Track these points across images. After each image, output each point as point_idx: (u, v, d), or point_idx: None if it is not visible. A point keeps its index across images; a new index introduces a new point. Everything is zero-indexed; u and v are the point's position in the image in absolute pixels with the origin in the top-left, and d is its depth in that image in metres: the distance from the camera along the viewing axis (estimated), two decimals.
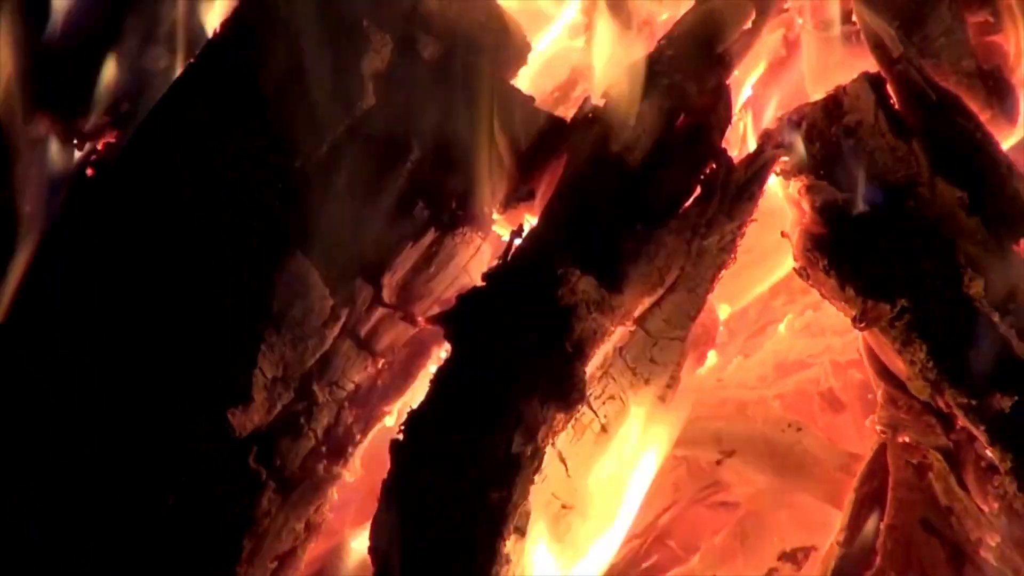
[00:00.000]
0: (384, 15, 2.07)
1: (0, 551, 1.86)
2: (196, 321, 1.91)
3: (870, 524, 2.03)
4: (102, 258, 2.00)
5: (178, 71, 2.26)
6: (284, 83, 2.03)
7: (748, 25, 2.14)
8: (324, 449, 1.96)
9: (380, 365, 2.01)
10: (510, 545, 1.73)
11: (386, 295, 1.98)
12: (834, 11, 2.28)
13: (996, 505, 1.90)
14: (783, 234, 2.03)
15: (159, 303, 1.93)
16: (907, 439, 2.00)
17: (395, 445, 1.76)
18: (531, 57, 2.20)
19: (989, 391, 1.84)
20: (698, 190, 1.99)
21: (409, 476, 1.74)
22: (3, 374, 1.98)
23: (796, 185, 2.00)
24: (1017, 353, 1.87)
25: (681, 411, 2.10)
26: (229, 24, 2.13)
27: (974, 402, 1.84)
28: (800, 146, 2.04)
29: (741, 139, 2.19)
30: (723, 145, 2.06)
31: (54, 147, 2.34)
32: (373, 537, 1.74)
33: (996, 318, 1.88)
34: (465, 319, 1.82)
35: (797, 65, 2.31)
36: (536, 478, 1.77)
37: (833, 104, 2.02)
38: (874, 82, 2.02)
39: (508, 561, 1.73)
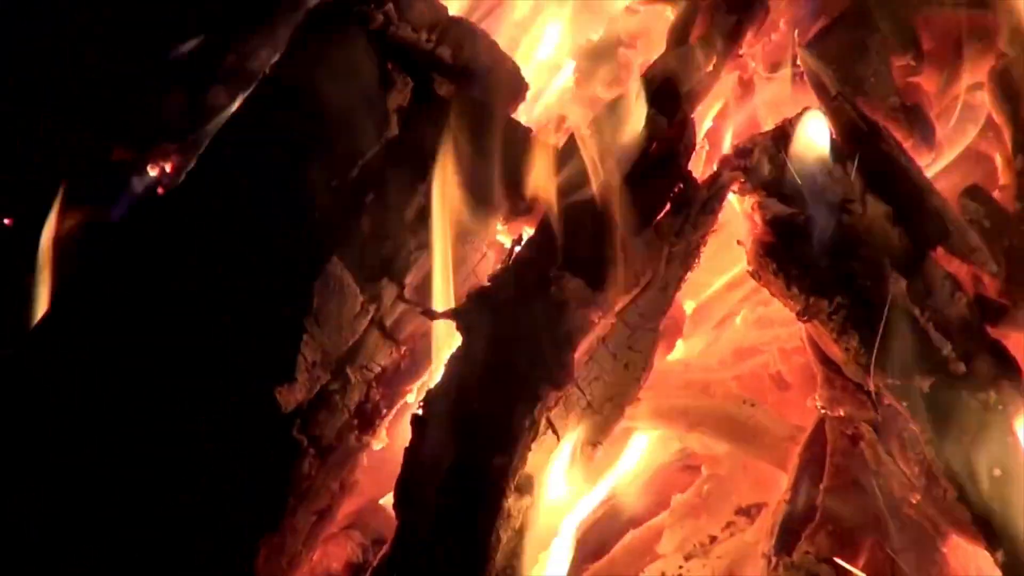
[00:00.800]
0: (406, 60, 2.07)
1: (78, 513, 1.83)
2: (251, 314, 1.92)
3: (812, 484, 2.02)
4: (176, 259, 2.00)
5: (235, 106, 2.24)
6: (323, 116, 2.02)
7: (709, 68, 2.14)
8: (355, 422, 1.97)
9: (402, 351, 2.01)
10: (511, 503, 1.74)
11: (408, 293, 1.99)
12: (782, 56, 2.28)
13: (916, 469, 1.91)
14: (739, 242, 2.03)
15: (221, 299, 1.94)
16: (842, 413, 2.01)
17: (415, 418, 1.77)
18: (528, 94, 2.19)
19: (910, 374, 1.84)
20: (668, 206, 1.99)
21: (426, 444, 1.75)
22: (92, 348, 1.96)
23: (750, 201, 2.00)
24: (934, 342, 1.87)
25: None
26: (278, 67, 2.14)
27: (898, 383, 1.85)
28: (754, 168, 2.02)
29: (704, 163, 2.19)
30: (689, 168, 2.05)
31: (135, 170, 2.34)
32: (397, 495, 1.74)
33: (916, 313, 1.88)
34: (473, 314, 1.83)
35: (750, 101, 2.30)
36: (533, 446, 1.77)
37: (781, 134, 2.00)
38: (814, 117, 2.00)
39: (509, 515, 1.75)
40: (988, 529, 1.78)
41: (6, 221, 2.45)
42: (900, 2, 2.26)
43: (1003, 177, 2.23)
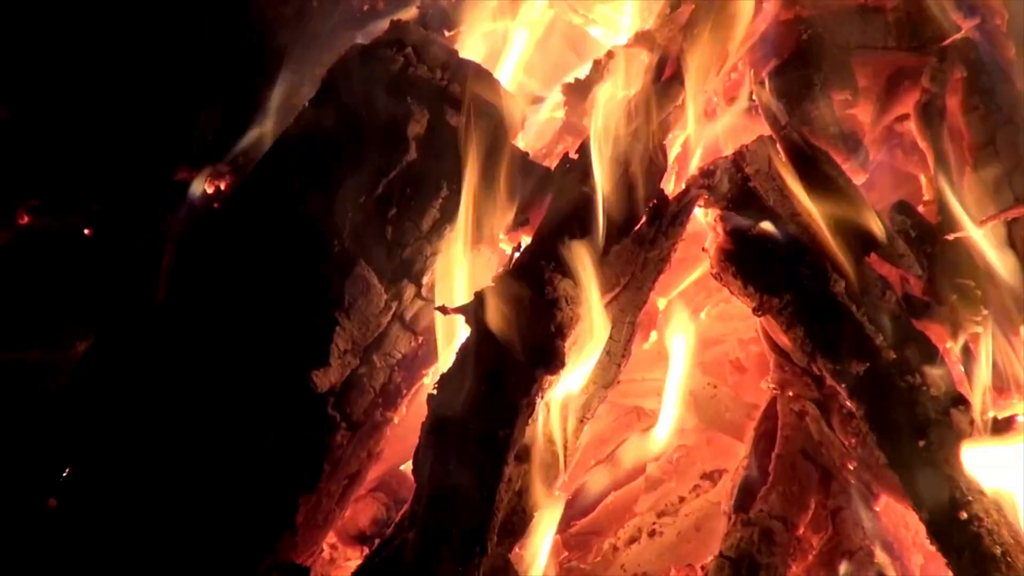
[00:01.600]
0: (423, 95, 2.07)
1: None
2: (293, 309, 1.93)
3: (765, 453, 2.02)
4: (229, 264, 2.02)
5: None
6: (353, 142, 2.03)
7: (679, 103, 2.13)
8: (380, 400, 1.98)
9: (419, 341, 2.01)
10: (512, 469, 1.75)
11: (424, 292, 2.00)
12: (740, 92, 2.27)
13: (853, 440, 1.93)
14: (704, 249, 2.03)
15: (268, 296, 1.95)
16: (791, 393, 2.02)
17: (431, 397, 1.77)
18: (526, 125, 2.20)
19: (848, 360, 1.84)
20: (644, 218, 1.99)
21: (440, 419, 1.75)
22: (162, 340, 1.98)
23: (713, 214, 2.00)
24: (868, 333, 1.87)
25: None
26: (315, 100, 2.13)
27: (838, 368, 1.85)
28: (716, 186, 2.02)
29: (674, 182, 2.19)
30: (661, 186, 2.04)
31: (193, 186, 2.34)
32: (415, 461, 1.75)
33: (854, 308, 1.88)
34: (480, 309, 1.82)
35: (713, 130, 2.29)
36: (529, 421, 1.78)
37: (739, 158, 2.01)
38: (767, 142, 2.02)
39: (510, 479, 1.76)
40: (914, 491, 1.77)
41: (87, 231, 2.42)
42: (839, 46, 2.26)
43: (927, 194, 2.24)
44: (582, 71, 2.33)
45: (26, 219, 2.44)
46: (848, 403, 1.86)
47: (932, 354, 1.89)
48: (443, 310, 1.89)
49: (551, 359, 1.79)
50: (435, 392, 1.78)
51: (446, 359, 1.90)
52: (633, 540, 2.09)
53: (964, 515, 1.72)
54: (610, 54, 2.27)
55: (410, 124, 2.05)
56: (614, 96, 2.17)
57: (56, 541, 1.81)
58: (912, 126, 2.25)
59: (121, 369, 1.99)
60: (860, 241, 1.98)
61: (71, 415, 1.97)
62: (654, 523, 2.10)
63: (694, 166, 2.22)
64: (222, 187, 2.28)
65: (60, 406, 2.01)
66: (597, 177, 1.97)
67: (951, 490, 1.75)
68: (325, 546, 1.99)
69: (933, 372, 1.86)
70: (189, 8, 2.64)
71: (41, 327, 2.30)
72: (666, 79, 2.17)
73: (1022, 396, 1.93)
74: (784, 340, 1.94)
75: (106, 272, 2.23)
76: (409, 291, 1.99)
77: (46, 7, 2.96)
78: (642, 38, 2.25)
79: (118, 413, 1.92)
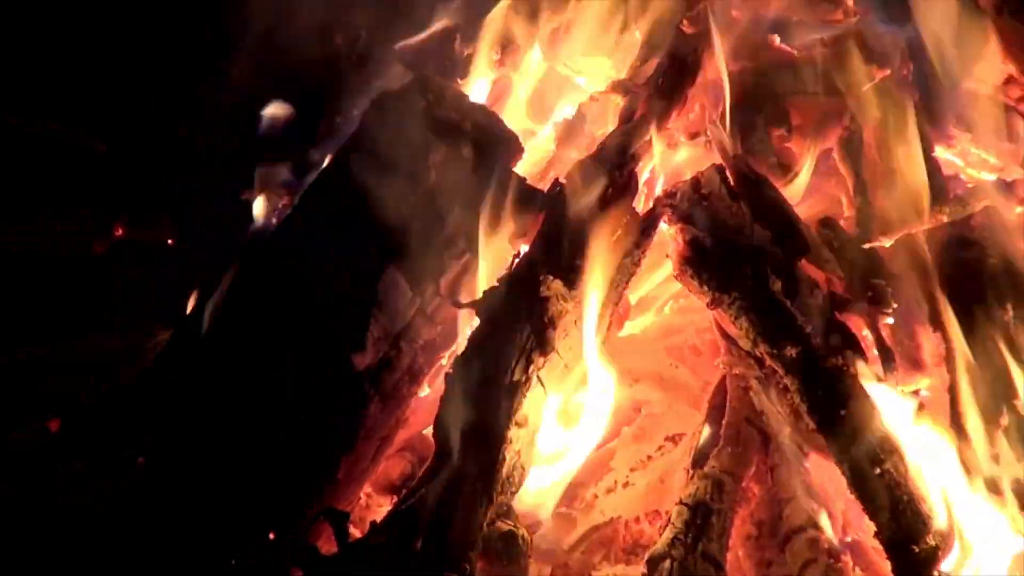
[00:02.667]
0: (441, 131, 2.07)
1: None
2: (336, 305, 1.93)
3: (717, 420, 2.03)
4: (287, 268, 2.02)
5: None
6: (386, 169, 2.03)
7: (647, 137, 2.14)
8: (406, 378, 1.98)
9: (438, 330, 2.01)
10: (513, 433, 1.76)
11: (442, 290, 1.99)
12: (698, 128, 2.27)
13: (787, 410, 1.94)
14: (668, 255, 2.03)
15: (318, 295, 1.96)
16: (738, 372, 2.03)
17: (447, 376, 1.79)
18: (524, 155, 2.20)
19: (784, 345, 1.83)
20: (619, 231, 1.99)
21: (456, 392, 1.76)
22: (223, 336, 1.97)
23: (675, 228, 2.00)
24: (800, 323, 1.86)
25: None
26: (356, 135, 2.13)
27: (775, 351, 1.84)
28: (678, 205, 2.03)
29: (644, 201, 2.18)
30: (633, 205, 2.06)
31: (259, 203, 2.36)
32: (435, 428, 1.76)
33: (788, 303, 1.88)
34: (487, 304, 1.85)
35: (675, 160, 2.29)
36: (528, 394, 1.78)
37: (696, 182, 2.01)
38: (719, 169, 2.02)
39: (512, 442, 1.76)
40: (836, 450, 1.77)
41: (170, 241, 2.42)
42: (777, 92, 2.26)
43: (847, 211, 2.24)
44: (569, 112, 2.33)
45: (120, 231, 2.44)
46: (784, 379, 1.85)
47: (851, 340, 1.89)
48: (457, 305, 1.91)
49: (544, 344, 1.80)
50: (451, 371, 1.79)
51: (460, 344, 1.90)
52: (610, 490, 2.10)
53: (878, 470, 1.72)
54: (592, 99, 2.28)
55: (431, 154, 2.05)
56: (595, 132, 2.18)
57: (143, 495, 1.81)
58: (836, 156, 2.25)
59: (197, 353, 1.99)
60: (793, 249, 1.98)
61: (157, 389, 1.97)
62: (627, 476, 2.11)
63: (659, 189, 2.21)
64: (280, 206, 2.28)
65: (149, 382, 2.02)
66: (583, 198, 1.98)
67: (867, 450, 1.74)
68: (362, 495, 1.99)
69: (851, 355, 1.85)
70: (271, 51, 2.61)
71: (131, 321, 2.26)
72: (636, 119, 2.18)
73: (924, 374, 1.94)
74: (732, 329, 1.94)
75: (185, 274, 2.20)
76: (430, 290, 1.99)
77: (133, 44, 2.94)
78: (617, 86, 2.26)
79: (196, 388, 1.91)
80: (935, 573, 1.64)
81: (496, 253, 2.03)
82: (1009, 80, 2.40)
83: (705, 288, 1.94)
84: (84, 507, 1.79)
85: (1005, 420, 1.80)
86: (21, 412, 2.04)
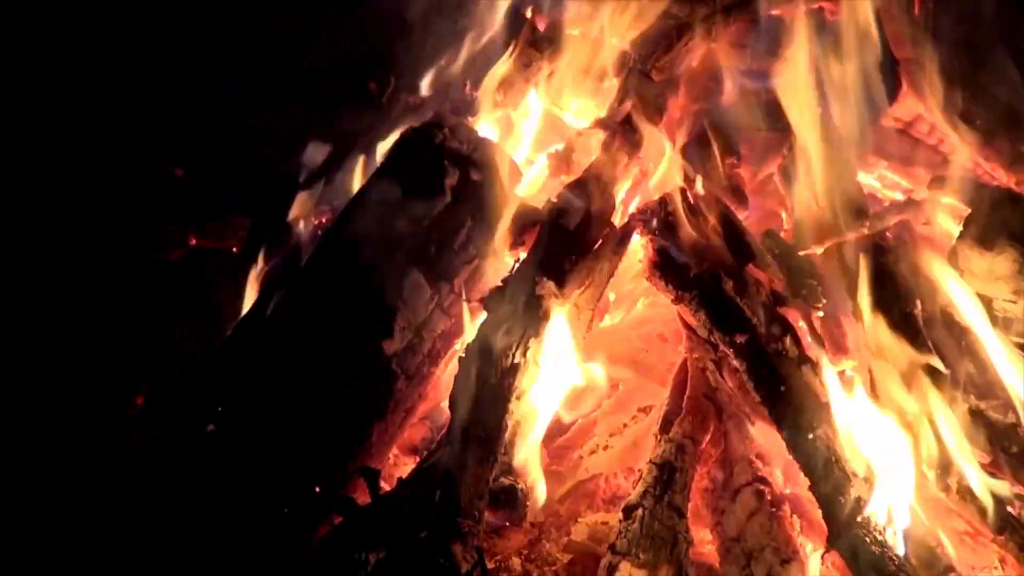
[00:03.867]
0: (455, 159, 2.06)
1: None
2: (370, 301, 1.92)
3: (680, 395, 2.02)
4: (330, 272, 2.01)
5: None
6: (410, 191, 2.02)
7: (623, 165, 2.15)
8: (427, 360, 1.97)
9: (452, 321, 2.00)
10: (513, 405, 1.76)
11: (456, 289, 1.99)
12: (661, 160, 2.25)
13: (737, 386, 1.92)
14: (640, 261, 2.03)
15: (355, 294, 1.94)
16: (697, 355, 2.01)
17: (460, 359, 1.78)
18: (523, 179, 2.22)
19: (734, 333, 1.83)
20: (600, 240, 1.99)
21: (467, 372, 1.75)
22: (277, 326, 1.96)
23: (646, 238, 1.99)
24: (748, 316, 1.85)
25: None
26: (385, 164, 2.13)
27: (727, 338, 1.84)
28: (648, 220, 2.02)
29: (620, 217, 2.17)
30: (612, 220, 2.06)
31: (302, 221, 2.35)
32: (451, 401, 1.75)
33: (738, 300, 1.86)
34: (494, 300, 1.84)
35: (645, 183, 2.29)
36: (525, 374, 1.78)
37: (663, 202, 2.00)
38: (682, 191, 2.02)
39: (512, 412, 1.76)
40: (777, 419, 1.77)
41: (234, 249, 2.41)
42: (729, 128, 2.24)
43: (786, 224, 2.23)
44: (560, 144, 2.32)
45: (194, 241, 2.44)
46: (734, 362, 1.85)
47: (789, 330, 1.89)
48: (469, 300, 1.92)
49: (539, 331, 1.81)
50: (463, 355, 1.78)
51: (470, 333, 1.90)
52: (593, 452, 2.09)
53: (811, 435, 1.72)
54: (579, 134, 2.27)
55: (446, 178, 2.05)
56: (580, 161, 2.18)
57: (213, 457, 1.79)
58: (776, 180, 2.24)
59: (258, 339, 1.98)
60: (742, 256, 1.97)
61: (226, 368, 1.96)
62: (607, 440, 2.10)
63: (633, 207, 2.21)
64: (323, 220, 2.27)
65: (218, 362, 2.00)
66: (571, 214, 1.98)
67: (802, 418, 1.74)
68: (391, 456, 1.99)
69: (789, 341, 1.85)
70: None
71: (201, 315, 2.23)
72: (615, 150, 2.17)
73: (848, 357, 1.93)
74: (692, 320, 1.93)
75: (244, 277, 2.21)
76: (445, 288, 1.98)
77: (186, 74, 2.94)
78: (599, 123, 2.24)
79: (257, 367, 1.91)
80: (857, 519, 1.64)
81: (499, 259, 2.03)
82: (917, 118, 2.41)
83: (670, 287, 1.93)
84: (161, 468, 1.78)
85: (914, 390, 1.79)
86: (121, 387, 2.04)
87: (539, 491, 1.89)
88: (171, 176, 2.66)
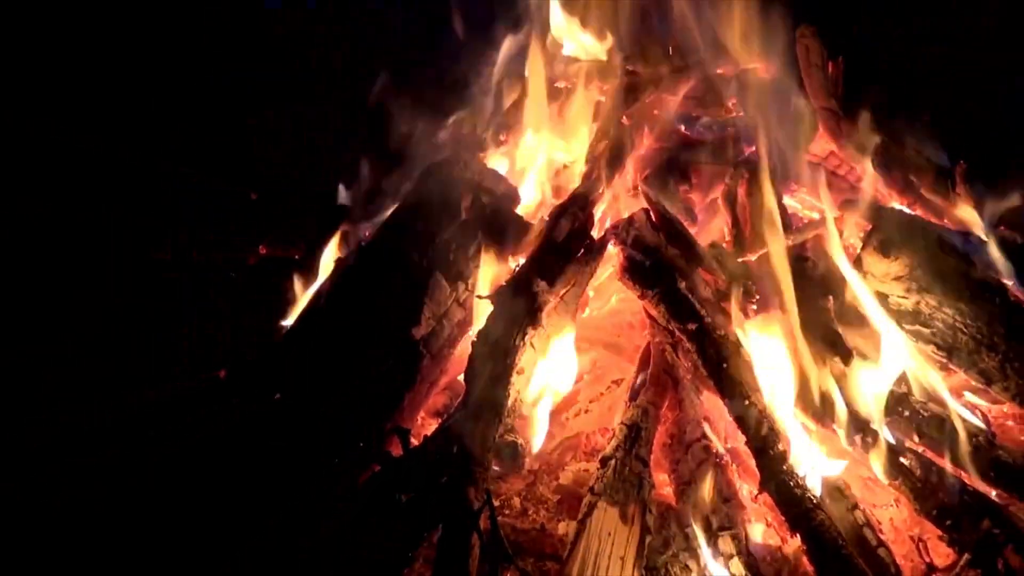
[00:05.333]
0: (469, 185, 2.06)
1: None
2: (403, 297, 1.91)
3: (645, 370, 2.00)
4: (372, 274, 1.99)
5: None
6: (435, 211, 2.02)
7: (600, 191, 2.13)
8: (446, 343, 1.95)
9: (466, 312, 1.99)
10: (514, 379, 1.74)
11: (469, 287, 1.98)
12: (634, 184, 2.26)
13: (690, 364, 1.90)
14: (613, 266, 2.02)
15: (391, 291, 1.93)
16: (658, 340, 1.99)
17: (473, 342, 1.76)
18: (522, 201, 2.19)
19: (687, 322, 1.82)
20: (582, 249, 1.99)
21: (477, 353, 1.74)
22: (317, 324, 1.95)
23: (618, 248, 1.98)
24: (697, 308, 1.84)
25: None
26: (414, 190, 2.12)
27: (681, 325, 1.83)
28: (620, 233, 2.00)
29: (598, 231, 2.15)
30: (591, 234, 2.05)
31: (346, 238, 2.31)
32: (466, 376, 1.73)
33: (690, 296, 1.87)
34: (498, 296, 1.83)
35: (617, 205, 2.27)
36: (523, 354, 1.76)
37: (631, 219, 2.00)
38: (646, 211, 2.02)
39: (513, 384, 1.73)
40: (722, 390, 1.75)
41: (297, 256, 2.39)
42: (683, 161, 2.24)
43: (727, 237, 2.22)
44: (550, 174, 2.32)
45: (264, 250, 2.43)
46: (687, 344, 1.84)
47: (731, 320, 1.88)
48: (480, 296, 1.90)
49: (535, 322, 1.79)
50: (475, 339, 1.77)
51: (480, 322, 1.89)
52: (576, 414, 2.07)
53: (746, 401, 1.70)
54: (565, 166, 2.28)
55: (462, 200, 2.04)
56: (568, 186, 2.17)
57: (279, 421, 1.78)
58: (719, 203, 2.22)
59: (315, 327, 1.97)
60: (693, 261, 1.96)
61: (290, 349, 1.96)
62: (587, 406, 2.08)
63: (608, 223, 2.20)
64: (366, 234, 2.26)
65: (283, 345, 1.99)
66: (560, 229, 1.98)
67: (740, 388, 1.72)
68: (419, 418, 1.97)
69: (729, 328, 1.84)
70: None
71: (268, 311, 2.21)
72: (593, 179, 2.16)
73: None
74: (654, 312, 1.92)
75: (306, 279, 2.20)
76: (461, 287, 1.97)
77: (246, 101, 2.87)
78: (581, 158, 2.25)
79: (314, 349, 1.90)
80: (782, 467, 1.62)
81: (503, 264, 2.02)
82: (830, 153, 2.41)
83: (636, 286, 1.92)
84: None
85: (829, 365, 1.78)
86: (207, 366, 2.00)
87: (534, 446, 1.88)
88: (247, 199, 2.64)
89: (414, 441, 1.73)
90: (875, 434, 1.68)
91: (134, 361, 2.08)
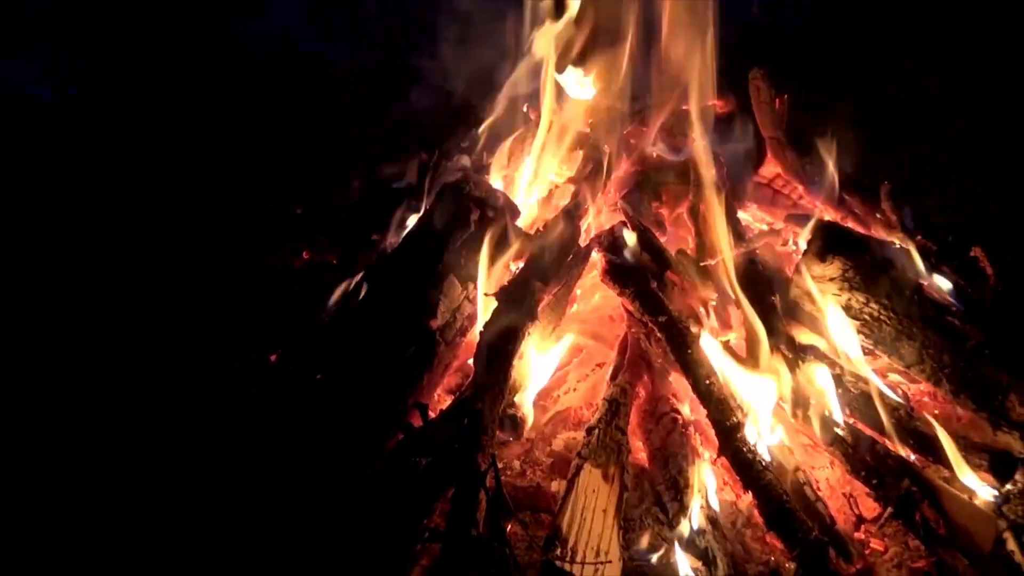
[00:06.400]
0: (476, 201, 2.02)
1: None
2: (422, 295, 1.88)
3: (622, 355, 1.97)
4: (398, 275, 1.96)
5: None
6: (447, 223, 1.98)
7: (586, 207, 2.12)
8: (459, 333, 1.91)
9: (475, 307, 1.95)
10: (515, 363, 1.73)
11: (477, 286, 1.94)
12: (614, 202, 2.24)
13: (660, 350, 1.87)
14: (596, 269, 2.01)
15: (412, 290, 1.90)
16: (634, 330, 1.97)
17: (481, 332, 1.73)
18: (521, 215, 2.15)
19: (657, 315, 1.81)
20: (571, 256, 1.98)
21: (484, 341, 1.72)
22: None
23: (600, 254, 1.98)
24: (666, 304, 1.82)
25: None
26: (432, 207, 2.07)
27: (653, 318, 1.82)
28: (602, 242, 2.01)
29: (584, 240, 2.12)
30: (578, 242, 2.03)
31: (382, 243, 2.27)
32: (475, 359, 1.70)
33: (660, 294, 1.85)
34: (502, 294, 1.81)
35: (600, 218, 2.25)
36: (523, 342, 1.75)
37: (612, 230, 1.99)
38: (624, 223, 2.02)
39: (514, 367, 1.73)
40: (686, 369, 1.74)
41: (334, 261, 2.34)
42: (655, 182, 2.24)
43: (691, 245, 2.19)
44: (545, 192, 2.30)
45: (307, 254, 2.41)
46: (658, 334, 1.81)
47: (693, 312, 1.88)
48: (487, 294, 1.88)
49: (532, 315, 1.79)
50: (483, 329, 1.75)
51: (486, 315, 1.86)
52: (566, 392, 2.05)
53: (708, 381, 1.70)
54: (557, 186, 2.26)
55: (471, 215, 2.01)
56: (560, 204, 2.16)
57: (319, 396, 1.76)
58: (685, 217, 2.21)
59: (350, 320, 1.95)
60: (662, 265, 1.95)
61: (329, 338, 1.93)
62: (575, 385, 2.06)
63: (592, 233, 2.18)
64: (394, 241, 2.23)
65: (324, 334, 1.97)
66: (551, 241, 1.97)
67: (702, 371, 1.72)
68: (436, 395, 1.95)
69: (693, 321, 1.84)
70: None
71: (312, 306, 2.17)
72: (581, 197, 2.15)
73: (731, 331, 1.91)
74: (631, 307, 1.91)
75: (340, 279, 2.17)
76: (470, 286, 1.94)
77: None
78: (571, 179, 2.22)
79: (349, 336, 1.88)
80: (737, 436, 1.62)
81: (506, 267, 2.00)
82: (777, 176, 2.40)
83: (616, 286, 1.91)
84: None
85: (774, 353, 1.77)
86: (263, 352, 1.96)
87: (531, 418, 1.87)
88: (293, 213, 2.62)
89: (431, 414, 1.71)
90: (814, 408, 1.67)
91: (215, 343, 2.04)
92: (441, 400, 1.99)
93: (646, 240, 1.99)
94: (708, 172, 2.08)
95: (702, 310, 1.90)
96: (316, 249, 2.42)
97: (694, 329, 1.80)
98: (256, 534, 1.40)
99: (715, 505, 1.64)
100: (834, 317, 1.84)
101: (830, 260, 1.87)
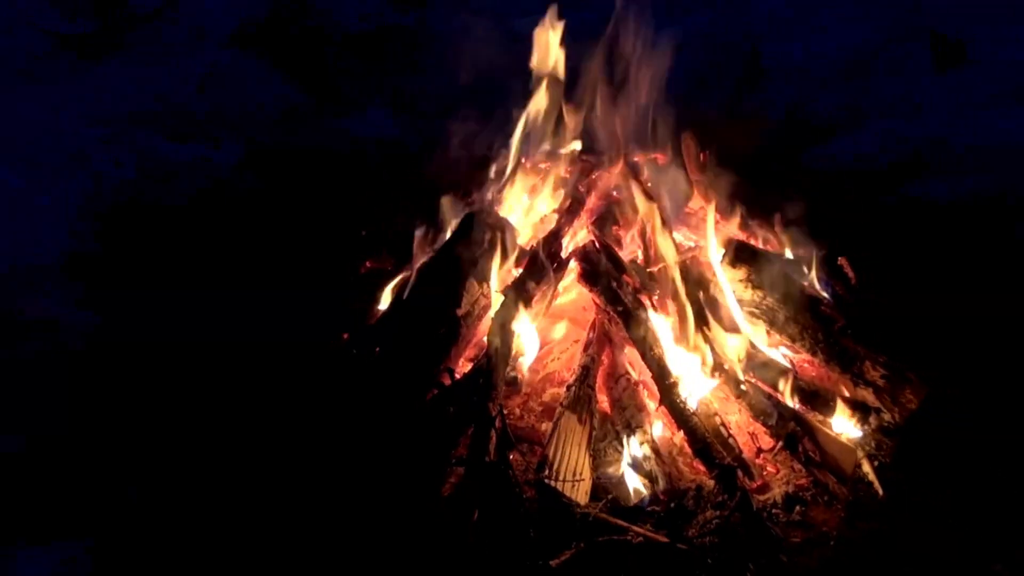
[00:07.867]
0: (488, 225, 2.04)
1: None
2: (449, 292, 1.88)
3: (591, 334, 1.95)
4: (431, 281, 1.96)
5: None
6: (469, 243, 1.99)
7: (567, 230, 2.15)
8: (476, 319, 1.91)
9: (488, 300, 1.96)
10: (516, 339, 1.76)
11: (490, 285, 1.96)
12: (585, 224, 2.24)
13: (618, 330, 1.88)
14: (574, 273, 2.02)
15: (442, 290, 1.90)
16: (601, 316, 1.97)
17: (492, 318, 1.78)
18: (520, 235, 2.16)
19: (617, 306, 1.83)
20: (555, 264, 2.00)
21: (494, 325, 1.76)
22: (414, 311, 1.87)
23: (575, 263, 1.99)
24: (626, 299, 1.83)
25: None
26: (456, 233, 2.08)
27: (614, 308, 1.84)
28: (580, 255, 2.01)
29: (564, 252, 2.13)
30: (560, 255, 2.05)
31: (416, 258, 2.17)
32: (488, 338, 1.73)
33: (620, 292, 1.85)
34: (507, 290, 1.85)
35: (576, 238, 2.23)
36: (520, 323, 1.79)
37: (584, 247, 1.98)
38: (593, 241, 2.04)
39: (515, 343, 1.77)
40: (637, 343, 1.75)
41: (368, 264, 2.30)
42: (614, 212, 2.22)
43: (640, 256, 2.18)
44: (538, 220, 2.30)
45: (369, 264, 2.42)
46: (617, 319, 1.84)
47: (641, 303, 1.88)
48: (497, 291, 1.92)
49: (528, 306, 1.83)
50: (493, 316, 1.79)
51: (495, 306, 1.89)
52: (552, 360, 2.03)
53: (653, 351, 1.74)
54: (546, 216, 2.28)
55: (484, 235, 2.03)
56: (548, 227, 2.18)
57: (380, 364, 1.76)
58: (637, 236, 2.19)
59: (399, 311, 1.96)
60: (620, 270, 1.95)
61: (386, 323, 1.95)
62: (558, 355, 2.07)
63: (571, 248, 2.19)
64: (431, 254, 2.18)
65: (382, 321, 1.99)
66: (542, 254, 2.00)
67: (648, 345, 1.75)
68: (460, 362, 1.94)
69: (642, 309, 1.84)
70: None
71: (373, 300, 2.13)
72: (562, 222, 2.17)
73: (669, 315, 1.90)
74: (598, 301, 1.92)
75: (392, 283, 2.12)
76: (484, 285, 1.95)
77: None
78: (555, 211, 2.22)
79: (399, 322, 1.90)
80: (674, 391, 1.66)
81: (509, 272, 2.03)
82: (701, 207, 2.41)
83: (587, 285, 1.93)
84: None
85: (698, 332, 1.79)
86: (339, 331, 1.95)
87: (526, 378, 1.90)
88: (359, 234, 2.62)
89: (457, 376, 1.76)
90: (727, 371, 1.72)
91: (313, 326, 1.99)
92: (464, 366, 2.00)
93: (609, 253, 2.03)
94: (653, 205, 2.11)
95: (648, 302, 1.94)
96: (376, 259, 2.45)
97: (642, 315, 1.85)
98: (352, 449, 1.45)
99: (656, 440, 1.69)
100: (741, 307, 1.90)
101: (739, 267, 1.94)
